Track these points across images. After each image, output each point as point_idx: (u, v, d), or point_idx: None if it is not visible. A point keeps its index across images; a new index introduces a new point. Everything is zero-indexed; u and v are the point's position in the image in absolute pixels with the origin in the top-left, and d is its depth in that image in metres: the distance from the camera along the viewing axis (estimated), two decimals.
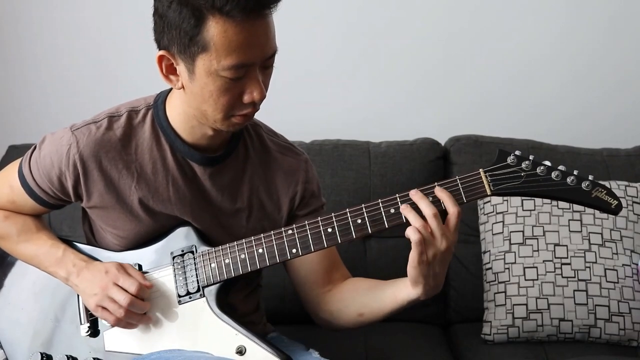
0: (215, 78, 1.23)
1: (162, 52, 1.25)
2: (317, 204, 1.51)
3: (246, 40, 1.20)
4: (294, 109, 2.27)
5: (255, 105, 1.28)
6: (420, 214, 1.25)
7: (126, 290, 1.34)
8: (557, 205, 1.92)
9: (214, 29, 1.18)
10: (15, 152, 2.04)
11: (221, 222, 1.43)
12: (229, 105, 1.26)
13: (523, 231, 1.91)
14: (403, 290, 1.35)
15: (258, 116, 1.34)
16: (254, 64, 1.23)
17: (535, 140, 2.11)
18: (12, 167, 1.46)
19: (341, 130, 2.17)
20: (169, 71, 1.28)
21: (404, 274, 1.99)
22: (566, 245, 1.89)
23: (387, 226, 1.29)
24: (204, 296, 1.37)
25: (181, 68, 1.25)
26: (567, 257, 1.88)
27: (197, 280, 1.37)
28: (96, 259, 1.42)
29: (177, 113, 1.36)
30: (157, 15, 1.24)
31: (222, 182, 1.41)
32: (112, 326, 1.39)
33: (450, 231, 1.26)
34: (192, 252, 1.39)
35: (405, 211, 1.26)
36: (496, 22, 2.31)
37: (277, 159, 1.47)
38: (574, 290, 1.85)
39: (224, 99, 1.25)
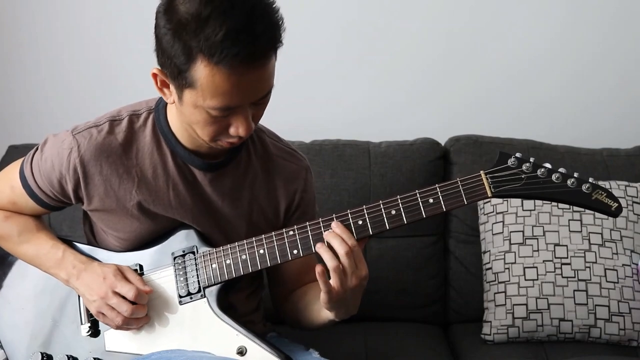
0: (201, 111, 1.22)
1: (156, 70, 1.25)
2: (311, 213, 1.52)
3: (234, 87, 1.18)
4: (293, 108, 2.27)
5: (241, 138, 1.27)
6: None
7: (124, 297, 1.34)
8: (557, 206, 1.93)
9: (202, 72, 1.17)
10: (15, 152, 2.04)
11: (221, 227, 1.43)
12: (215, 134, 1.27)
13: (523, 231, 1.91)
14: (323, 310, 1.37)
15: None
16: (241, 105, 1.22)
17: (535, 140, 2.11)
18: (14, 167, 1.46)
19: (341, 130, 2.17)
20: (163, 85, 1.27)
21: (404, 274, 2.02)
22: (566, 245, 1.89)
23: (388, 227, 1.29)
24: (204, 296, 1.37)
25: (172, 89, 1.25)
26: (567, 257, 1.88)
27: (198, 280, 1.37)
28: (96, 259, 1.42)
29: (178, 120, 1.35)
30: (155, 34, 1.22)
31: (223, 188, 1.41)
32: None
33: (358, 265, 1.28)
34: (193, 253, 1.39)
35: (321, 250, 1.27)
36: (496, 21, 2.31)
37: (279, 164, 1.47)
38: (574, 290, 1.85)
39: (210, 129, 1.25)
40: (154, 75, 1.26)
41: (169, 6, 1.18)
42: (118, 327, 1.37)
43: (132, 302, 1.34)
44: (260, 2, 1.18)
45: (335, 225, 1.29)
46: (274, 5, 1.20)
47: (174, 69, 1.19)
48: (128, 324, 1.36)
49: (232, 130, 1.25)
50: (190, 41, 1.15)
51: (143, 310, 1.36)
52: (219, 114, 1.21)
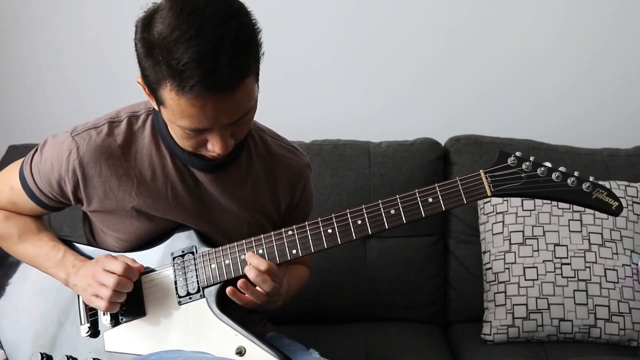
0: (176, 127, 1.22)
1: (139, 80, 1.24)
2: (308, 209, 1.53)
3: (200, 113, 1.17)
4: (294, 108, 2.27)
5: (220, 154, 1.26)
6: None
7: (114, 273, 1.33)
8: (557, 205, 1.92)
9: (168, 95, 1.16)
10: (15, 152, 2.04)
11: (222, 227, 1.42)
12: (194, 147, 1.27)
13: (523, 231, 1.91)
14: None
15: (258, 117, 1.34)
16: (213, 128, 1.21)
17: (535, 140, 2.11)
18: (14, 168, 1.46)
19: (341, 130, 2.17)
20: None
21: (404, 274, 2.01)
22: (566, 245, 1.89)
23: (387, 227, 1.30)
24: (203, 297, 1.37)
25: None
26: (567, 257, 1.88)
27: (197, 280, 1.37)
28: None
29: None
30: (134, 45, 1.21)
31: (225, 189, 1.41)
32: (105, 311, 1.37)
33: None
34: (193, 253, 1.39)
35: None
36: (497, 21, 2.31)
37: (282, 163, 1.47)
38: (574, 290, 1.85)
39: (188, 143, 1.26)
40: (140, 84, 1.25)
41: (147, 22, 1.17)
42: (110, 306, 1.33)
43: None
44: (231, 29, 1.13)
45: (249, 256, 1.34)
46: (255, 27, 1.18)
47: (148, 85, 1.20)
48: (117, 297, 1.32)
49: (209, 147, 1.25)
50: (157, 64, 1.14)
51: (129, 285, 1.34)
52: (192, 133, 1.22)
